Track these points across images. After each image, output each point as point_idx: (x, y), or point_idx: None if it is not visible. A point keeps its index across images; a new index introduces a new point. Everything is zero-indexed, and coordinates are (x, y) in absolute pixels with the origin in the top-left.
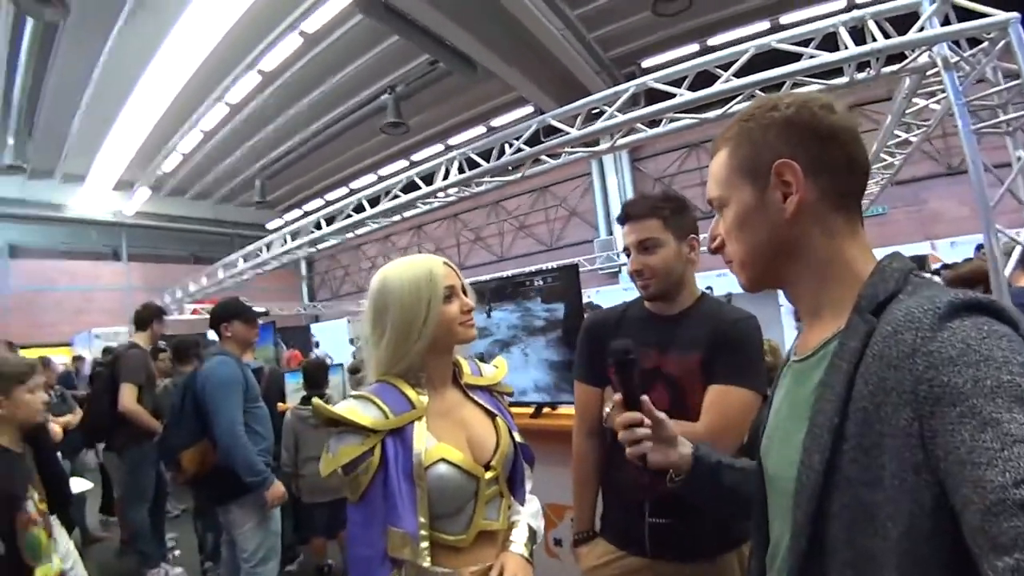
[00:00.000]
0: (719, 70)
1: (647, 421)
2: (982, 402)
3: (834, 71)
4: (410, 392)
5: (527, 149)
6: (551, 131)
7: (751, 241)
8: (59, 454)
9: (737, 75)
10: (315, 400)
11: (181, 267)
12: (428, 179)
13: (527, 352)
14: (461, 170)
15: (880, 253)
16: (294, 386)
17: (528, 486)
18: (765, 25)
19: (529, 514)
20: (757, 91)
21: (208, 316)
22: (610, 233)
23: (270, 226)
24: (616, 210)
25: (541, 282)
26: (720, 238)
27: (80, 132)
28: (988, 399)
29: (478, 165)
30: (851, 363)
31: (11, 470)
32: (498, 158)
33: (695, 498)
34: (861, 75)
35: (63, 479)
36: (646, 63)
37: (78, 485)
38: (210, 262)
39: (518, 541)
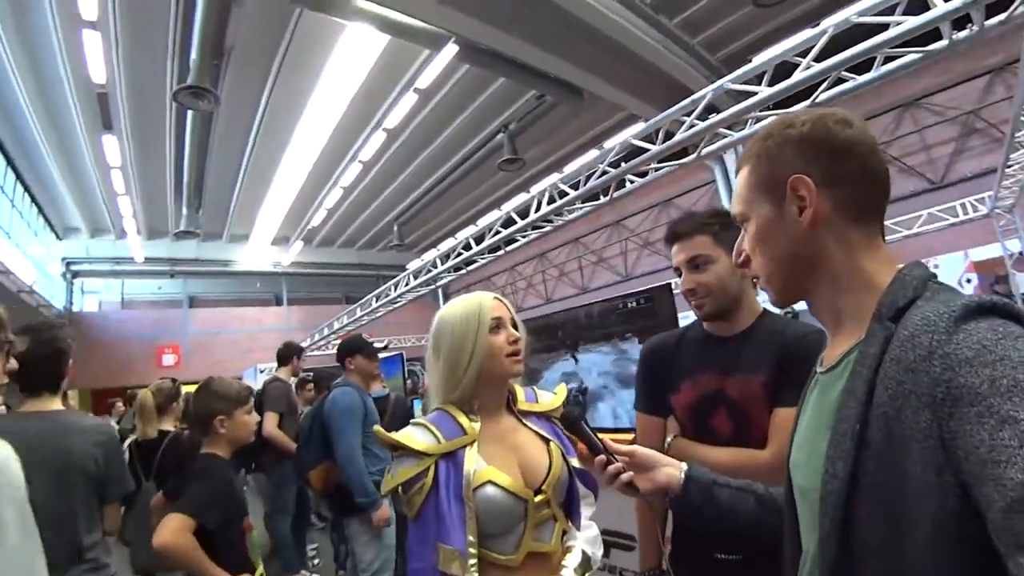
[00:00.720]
0: (798, 58)
1: (619, 457)
2: (999, 401)
3: (932, 35)
4: (463, 419)
5: (611, 172)
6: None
7: (772, 255)
8: None
9: (820, 59)
10: (376, 427)
11: (334, 308)
12: (525, 213)
13: (617, 412)
14: (552, 200)
15: None
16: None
17: (587, 512)
18: None
19: (585, 539)
20: (843, 72)
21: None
22: None
23: (410, 266)
24: None
25: (634, 304)
26: (745, 253)
27: (241, 199)
28: (1005, 398)
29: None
30: (871, 369)
31: (236, 481)
32: (586, 183)
33: (691, 518)
34: (963, 33)
35: None
36: (760, 57)
37: None
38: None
39: (570, 566)
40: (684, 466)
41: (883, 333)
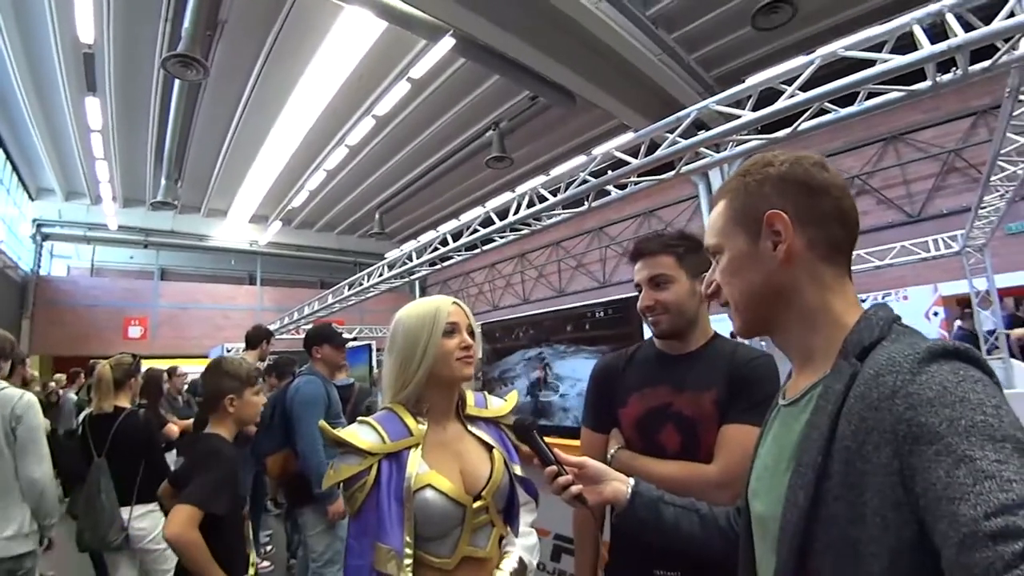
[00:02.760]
0: (784, 86)
1: (569, 469)
2: (957, 440)
3: (916, 75)
4: (410, 420)
5: (592, 180)
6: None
7: (744, 288)
8: (175, 451)
9: (807, 89)
10: (321, 423)
11: (309, 291)
12: (504, 214)
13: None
14: (532, 204)
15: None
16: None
17: (528, 519)
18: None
19: (523, 546)
20: (827, 103)
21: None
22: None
23: (389, 255)
24: None
25: (602, 313)
26: (715, 283)
27: (222, 174)
28: (963, 438)
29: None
30: (835, 404)
31: (241, 465)
32: (566, 191)
33: (636, 532)
34: (947, 76)
35: (169, 470)
36: (751, 80)
37: None
38: None
39: (505, 570)
40: (631, 481)
41: (849, 370)
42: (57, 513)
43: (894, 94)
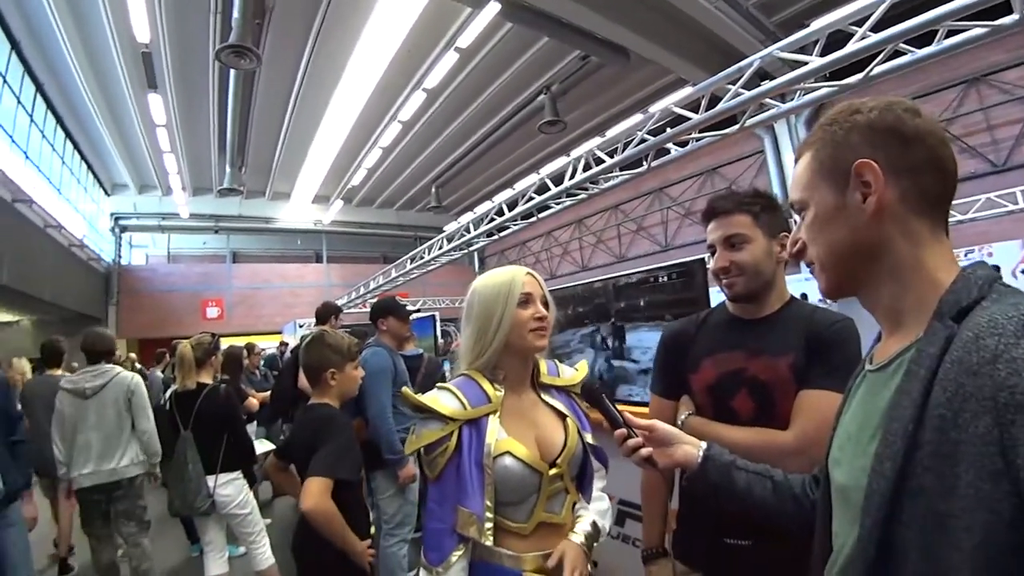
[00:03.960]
0: (854, 27)
1: (638, 432)
2: None
3: (1002, 8)
4: (488, 387)
5: (650, 139)
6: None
7: (831, 242)
8: (255, 423)
9: (879, 30)
10: (404, 389)
11: (372, 266)
12: (560, 179)
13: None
14: (588, 167)
15: None
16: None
17: (599, 485)
18: None
19: (595, 511)
20: (902, 44)
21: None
22: (789, 215)
23: (447, 228)
24: None
25: (665, 278)
26: (801, 241)
27: (282, 157)
28: None
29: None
30: (929, 369)
31: (354, 432)
32: (623, 152)
33: (706, 495)
34: None
35: (250, 441)
36: (817, 23)
37: (262, 447)
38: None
39: (579, 533)
40: (703, 445)
41: (944, 333)
42: (159, 454)
43: (977, 30)
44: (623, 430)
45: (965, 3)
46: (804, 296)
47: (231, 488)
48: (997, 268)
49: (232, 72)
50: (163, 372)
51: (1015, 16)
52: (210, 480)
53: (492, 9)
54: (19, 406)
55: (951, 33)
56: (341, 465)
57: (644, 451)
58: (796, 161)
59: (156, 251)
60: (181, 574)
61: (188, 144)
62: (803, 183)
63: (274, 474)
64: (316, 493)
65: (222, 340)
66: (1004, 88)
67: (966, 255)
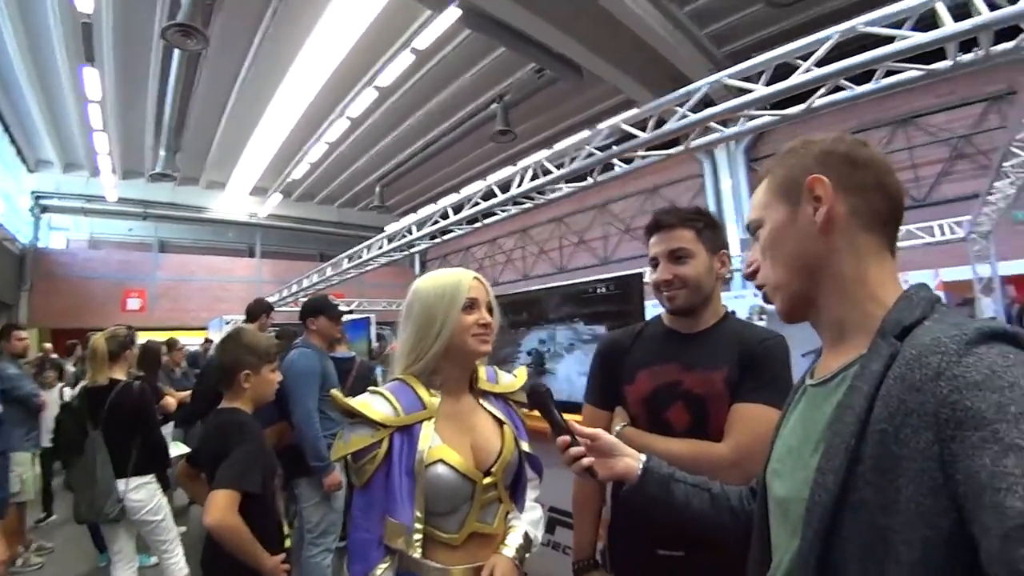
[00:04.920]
0: (799, 61)
1: (582, 440)
2: (1005, 427)
3: (937, 54)
4: (423, 393)
5: (598, 154)
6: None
7: (783, 258)
8: (172, 424)
9: (822, 65)
10: (333, 391)
11: (308, 264)
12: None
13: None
14: (535, 177)
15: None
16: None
17: (533, 495)
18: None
19: (528, 521)
20: (842, 80)
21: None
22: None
23: (389, 228)
24: (730, 212)
25: (604, 289)
26: (756, 263)
27: (221, 145)
28: (1012, 425)
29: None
30: (872, 385)
31: (266, 440)
32: (571, 164)
33: (645, 507)
34: (967, 56)
35: (164, 443)
36: (762, 58)
37: (178, 449)
38: None
39: (511, 545)
40: (643, 457)
41: (888, 350)
42: None
43: (912, 73)
44: (566, 437)
45: (904, 46)
46: (733, 313)
47: (143, 493)
48: (939, 296)
49: (176, 52)
50: (75, 366)
51: (948, 62)
52: (120, 484)
53: (453, 14)
54: None
55: (889, 73)
56: (249, 476)
57: (585, 460)
58: (752, 189)
59: (77, 235)
60: None
61: (122, 123)
62: (760, 203)
63: (185, 481)
64: (221, 507)
65: (143, 334)
66: (930, 131)
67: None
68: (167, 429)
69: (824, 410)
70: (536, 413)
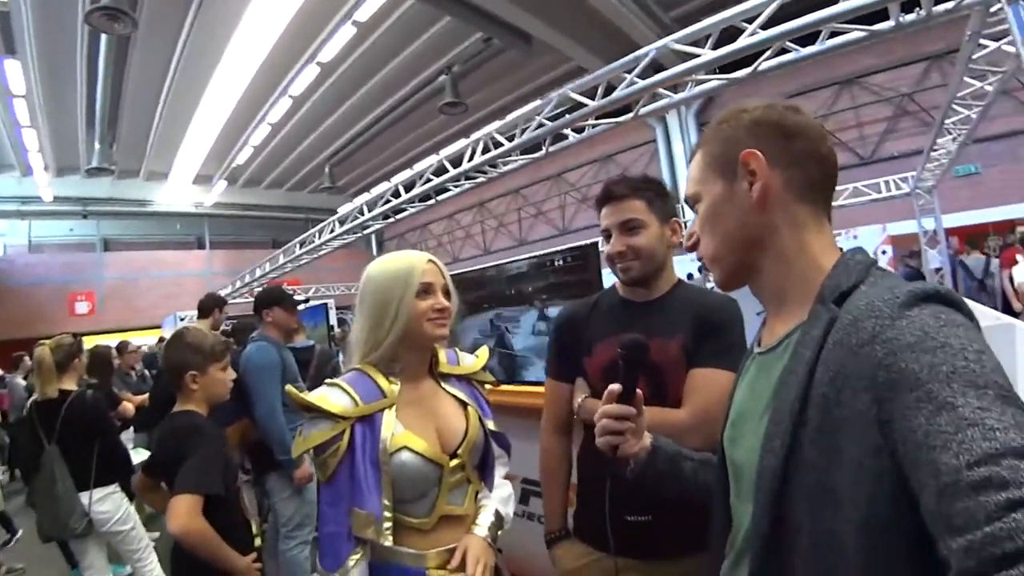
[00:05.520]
0: (745, 24)
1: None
2: (938, 387)
3: (879, 15)
4: (382, 381)
5: (548, 124)
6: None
7: (721, 232)
8: (132, 428)
9: (767, 27)
10: (288, 387)
11: (261, 252)
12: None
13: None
14: (487, 150)
15: (974, 216)
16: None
17: (501, 472)
18: None
19: (498, 499)
20: (788, 42)
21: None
22: (678, 202)
23: (341, 210)
24: (683, 177)
25: (561, 261)
26: (695, 235)
27: (159, 133)
28: (944, 384)
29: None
30: (813, 351)
31: (225, 442)
32: (522, 136)
33: (655, 486)
34: (910, 16)
35: (125, 451)
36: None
37: (140, 456)
38: None
39: (482, 524)
40: (650, 436)
41: (827, 316)
42: None
43: (856, 34)
44: (631, 410)
45: (847, 7)
46: (690, 276)
47: (108, 504)
48: (875, 260)
49: (104, 37)
50: (25, 379)
51: (890, 23)
52: (84, 497)
53: None
54: None
55: (833, 35)
56: (209, 479)
57: (624, 436)
58: (689, 160)
59: (15, 240)
60: None
61: (51, 117)
62: (696, 177)
63: (143, 493)
64: (184, 513)
65: (95, 338)
66: (873, 89)
67: (835, 238)
68: (127, 435)
69: (771, 376)
70: (528, 389)
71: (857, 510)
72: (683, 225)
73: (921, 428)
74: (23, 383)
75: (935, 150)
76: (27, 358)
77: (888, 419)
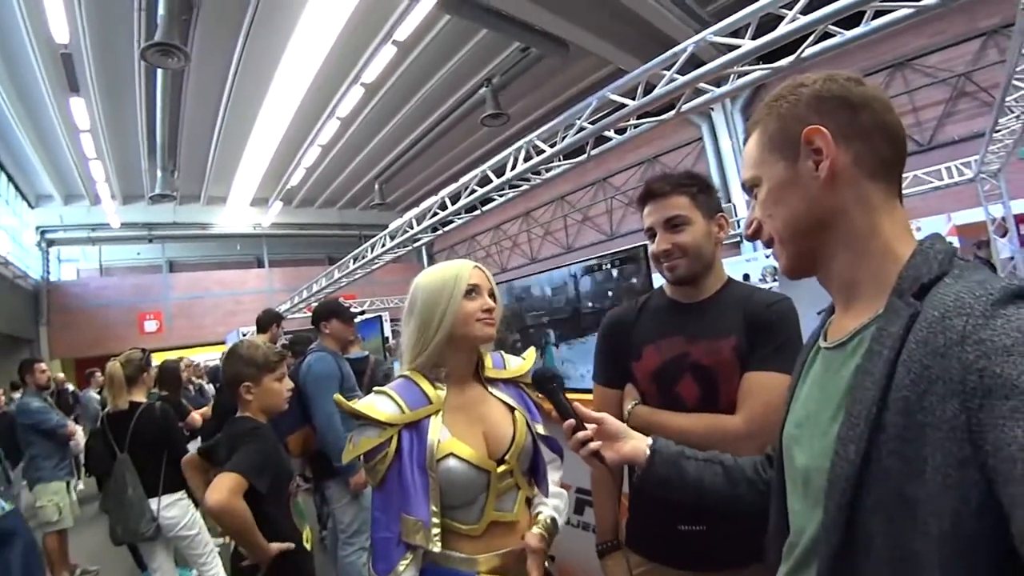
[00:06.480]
0: (784, 10)
1: (588, 425)
2: None
3: None
4: (428, 387)
5: (589, 127)
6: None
7: (786, 215)
8: (199, 439)
9: (807, 12)
10: (336, 396)
11: (317, 268)
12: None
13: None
14: (528, 157)
15: None
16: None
17: (555, 476)
18: None
19: (552, 506)
20: (831, 26)
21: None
22: (728, 200)
23: (391, 225)
24: (732, 174)
25: (609, 265)
26: (756, 221)
27: (217, 159)
28: None
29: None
30: (892, 349)
31: (280, 447)
32: (563, 141)
33: (658, 490)
34: None
35: None
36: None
37: None
38: None
39: (535, 532)
40: (648, 440)
41: (907, 311)
42: None
43: (902, 11)
44: (572, 422)
45: None
46: (746, 277)
47: (176, 510)
48: (956, 248)
49: (159, 72)
50: (99, 393)
51: None
52: (153, 503)
53: (429, 1)
54: None
55: (878, 14)
56: (258, 471)
57: (593, 444)
58: (745, 141)
59: (87, 265)
60: None
61: (115, 149)
62: (753, 160)
63: (188, 468)
64: (225, 487)
65: (163, 354)
66: (927, 72)
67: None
68: (195, 445)
69: (842, 374)
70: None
71: (939, 524)
72: (728, 221)
73: (1017, 440)
74: (96, 396)
75: (998, 131)
76: (99, 373)
77: (979, 429)
